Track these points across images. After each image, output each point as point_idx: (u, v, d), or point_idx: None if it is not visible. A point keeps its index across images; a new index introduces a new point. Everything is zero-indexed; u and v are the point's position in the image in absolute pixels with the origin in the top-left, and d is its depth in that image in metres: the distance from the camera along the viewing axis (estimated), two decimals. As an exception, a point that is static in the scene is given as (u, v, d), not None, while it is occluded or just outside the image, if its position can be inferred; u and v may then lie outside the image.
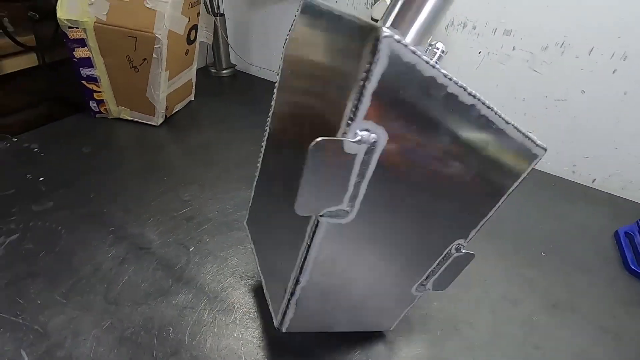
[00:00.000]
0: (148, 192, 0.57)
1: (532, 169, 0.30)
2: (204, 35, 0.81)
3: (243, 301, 0.43)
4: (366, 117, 0.22)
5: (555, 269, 0.51)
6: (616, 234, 0.57)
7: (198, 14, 0.73)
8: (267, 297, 0.36)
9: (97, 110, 0.74)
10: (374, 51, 0.20)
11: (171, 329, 0.39)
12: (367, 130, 0.23)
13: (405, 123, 0.24)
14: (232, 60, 1.00)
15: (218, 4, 0.89)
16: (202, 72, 0.99)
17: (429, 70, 0.22)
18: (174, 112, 0.78)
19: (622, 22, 0.55)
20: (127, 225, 0.51)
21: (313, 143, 0.21)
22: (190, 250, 0.48)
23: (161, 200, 0.56)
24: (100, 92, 0.71)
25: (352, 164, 0.23)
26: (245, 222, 0.42)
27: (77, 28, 0.63)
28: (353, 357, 0.38)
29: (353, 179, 0.24)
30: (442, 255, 0.33)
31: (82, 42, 0.65)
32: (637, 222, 0.58)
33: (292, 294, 0.30)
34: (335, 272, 0.31)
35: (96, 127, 0.73)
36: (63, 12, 0.62)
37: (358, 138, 0.22)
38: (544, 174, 0.69)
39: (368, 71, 0.21)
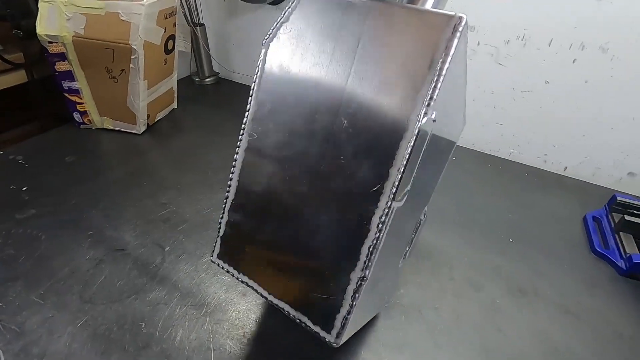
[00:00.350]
0: (128, 197, 0.59)
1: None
2: (182, 45, 0.84)
3: (215, 295, 0.44)
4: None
5: (521, 254, 0.52)
6: (584, 219, 0.59)
7: (174, 25, 0.75)
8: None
9: (81, 121, 0.76)
10: (456, 31, 0.25)
11: (143, 324, 0.41)
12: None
13: (441, 98, 0.27)
14: (215, 69, 1.03)
15: (198, 15, 0.92)
16: (186, 81, 1.01)
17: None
18: (156, 120, 0.80)
19: (577, 13, 0.57)
20: (106, 229, 0.53)
21: (422, 130, 0.24)
22: (166, 249, 0.50)
23: (140, 204, 0.58)
24: (82, 103, 0.73)
25: (423, 143, 0.26)
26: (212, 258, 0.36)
27: (57, 42, 0.66)
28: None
29: (418, 160, 0.27)
30: (416, 225, 0.37)
31: (62, 56, 0.67)
32: (605, 206, 0.59)
33: (354, 296, 0.27)
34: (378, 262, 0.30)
35: (80, 137, 0.75)
36: (42, 28, 0.64)
37: (434, 117, 0.25)
38: (516, 164, 0.71)
39: (447, 48, 0.24)
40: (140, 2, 0.64)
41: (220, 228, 0.34)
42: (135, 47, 0.65)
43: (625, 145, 0.63)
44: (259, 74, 0.31)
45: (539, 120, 0.67)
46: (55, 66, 0.69)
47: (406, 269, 0.49)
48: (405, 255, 0.38)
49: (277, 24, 0.30)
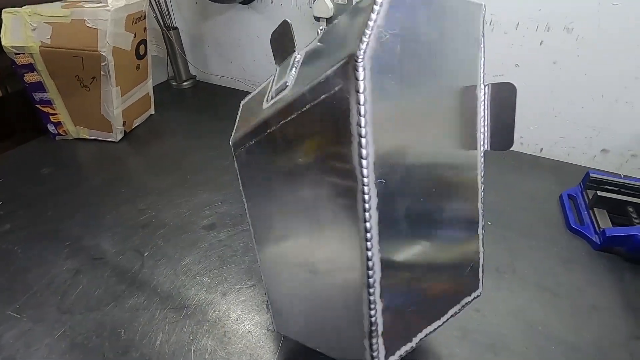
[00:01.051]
0: (105, 205, 0.58)
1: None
2: (155, 49, 0.83)
3: (195, 297, 0.44)
4: None
5: (499, 236, 0.53)
6: (560, 197, 0.60)
7: (145, 29, 0.74)
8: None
9: (56, 132, 0.75)
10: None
11: (123, 330, 0.41)
12: None
13: None
14: (192, 72, 1.02)
15: (170, 18, 0.91)
16: (163, 85, 1.00)
17: None
18: (133, 126, 0.80)
19: (541, -5, 0.58)
20: (83, 239, 0.52)
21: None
22: (145, 255, 0.50)
23: (118, 211, 0.57)
24: (56, 114, 0.72)
25: None
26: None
27: (24, 54, 0.65)
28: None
29: None
30: None
31: (30, 67, 0.66)
32: (579, 184, 0.60)
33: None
34: None
35: (56, 148, 0.74)
36: (7, 40, 0.63)
37: None
38: (494, 149, 0.71)
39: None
40: (107, 8, 0.63)
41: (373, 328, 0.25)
42: (104, 53, 0.64)
43: (597, 123, 0.64)
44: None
45: (513, 103, 0.68)
46: (24, 78, 0.68)
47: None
48: None
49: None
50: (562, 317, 0.42)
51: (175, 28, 0.92)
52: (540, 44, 0.61)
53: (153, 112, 0.86)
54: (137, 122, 0.81)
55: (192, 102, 0.94)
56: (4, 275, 0.47)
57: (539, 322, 0.42)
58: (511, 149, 0.71)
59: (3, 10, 0.63)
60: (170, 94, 0.97)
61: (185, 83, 0.99)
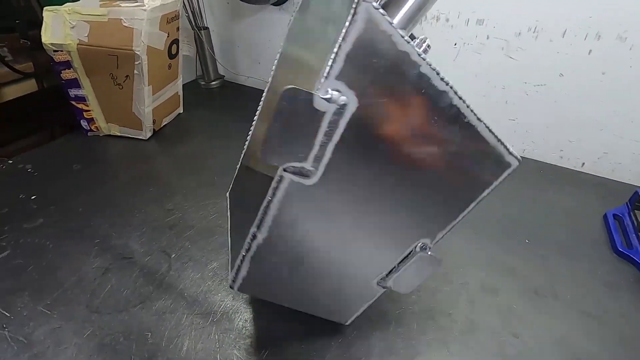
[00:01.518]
0: (134, 204, 0.59)
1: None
2: (186, 49, 0.84)
3: (221, 304, 0.44)
4: (338, 77, 0.23)
5: (538, 255, 0.50)
6: (605, 217, 0.56)
7: (178, 29, 0.75)
8: (229, 259, 0.37)
9: (89, 128, 0.76)
10: (353, 14, 0.21)
11: (149, 334, 0.40)
12: (338, 90, 0.23)
13: (376, 94, 0.24)
14: (221, 72, 1.02)
15: (201, 18, 0.92)
16: (192, 85, 1.01)
17: (404, 45, 0.22)
18: (162, 125, 0.80)
19: (592, 1, 0.54)
20: (112, 237, 0.52)
21: (284, 88, 0.22)
22: (172, 257, 0.50)
23: (146, 211, 0.57)
24: (89, 110, 0.73)
25: (320, 121, 0.24)
26: (227, 194, 0.42)
27: (62, 51, 0.66)
28: (329, 351, 0.39)
29: (319, 137, 0.25)
30: (407, 252, 0.33)
31: (67, 64, 0.67)
32: (627, 204, 0.57)
33: (247, 249, 0.30)
34: (294, 237, 0.30)
35: (88, 144, 0.75)
36: (47, 37, 0.64)
37: (328, 96, 0.23)
38: (530, 161, 0.68)
39: (345, 32, 0.22)
40: (143, 7, 0.63)
41: None
42: (138, 52, 0.64)
43: (647, 139, 0.60)
44: None
45: (554, 114, 0.64)
46: (61, 74, 0.69)
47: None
48: (387, 281, 0.35)
49: None
50: (609, 348, 0.39)
51: (206, 28, 0.93)
52: (589, 53, 0.58)
53: (181, 111, 0.87)
54: (165, 121, 0.81)
55: (220, 103, 0.95)
56: (36, 271, 0.47)
57: (582, 352, 0.39)
58: (550, 162, 0.68)
59: (45, 8, 0.64)
60: (198, 93, 0.98)
61: (213, 83, 1.00)
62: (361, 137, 0.25)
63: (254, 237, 0.29)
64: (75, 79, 0.69)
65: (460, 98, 0.25)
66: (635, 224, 0.53)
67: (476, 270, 0.48)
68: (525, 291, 0.45)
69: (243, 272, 0.32)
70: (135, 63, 0.65)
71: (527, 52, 0.62)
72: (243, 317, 0.42)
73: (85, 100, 0.72)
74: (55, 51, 0.66)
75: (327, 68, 0.22)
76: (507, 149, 0.28)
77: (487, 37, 0.64)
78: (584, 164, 0.67)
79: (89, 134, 0.77)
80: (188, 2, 0.86)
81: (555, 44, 0.59)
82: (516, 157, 0.28)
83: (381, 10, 0.21)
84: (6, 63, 0.88)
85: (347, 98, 0.23)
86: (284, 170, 0.26)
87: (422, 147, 0.27)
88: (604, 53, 0.57)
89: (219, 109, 0.90)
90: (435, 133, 0.26)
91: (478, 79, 0.68)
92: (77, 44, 0.65)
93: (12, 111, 1.03)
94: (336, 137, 0.25)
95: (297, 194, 0.27)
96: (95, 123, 0.75)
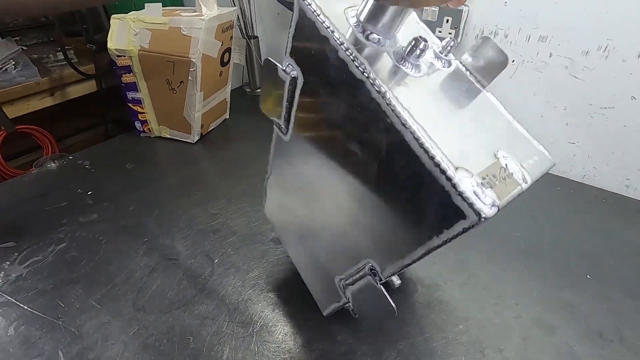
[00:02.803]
0: (180, 206, 0.60)
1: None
2: (237, 57, 0.86)
3: (261, 314, 0.43)
4: (291, 54, 0.28)
5: (601, 293, 0.46)
6: (679, 256, 0.50)
7: (231, 38, 0.77)
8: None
9: (141, 129, 0.80)
10: (297, 4, 0.26)
11: (191, 338, 0.41)
12: (291, 65, 0.28)
13: (314, 75, 0.27)
14: (266, 79, 1.04)
15: (252, 28, 0.94)
16: (237, 91, 1.04)
17: (324, 30, 0.24)
18: (209, 129, 0.83)
19: (676, 20, 0.50)
20: (159, 237, 0.54)
21: (265, 58, 0.30)
22: (215, 262, 0.50)
23: (191, 213, 0.59)
24: (144, 113, 0.77)
25: (283, 87, 0.29)
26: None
27: (124, 56, 0.70)
28: (368, 378, 0.37)
29: (284, 100, 0.30)
30: (358, 266, 0.29)
31: (128, 69, 0.71)
32: None
33: (266, 179, 0.42)
34: (285, 186, 0.38)
35: (140, 145, 0.79)
36: (113, 43, 0.69)
37: (284, 67, 0.28)
38: (592, 189, 0.63)
39: (292, 19, 0.27)
40: (201, 17, 0.66)
41: None
42: (194, 60, 0.67)
43: None
44: None
45: (622, 139, 0.59)
46: (121, 78, 0.73)
47: (466, 302, 0.44)
48: (345, 289, 0.32)
49: None
50: (689, 409, 0.35)
51: (256, 37, 0.95)
52: (668, 75, 0.53)
53: (227, 117, 0.89)
54: (212, 126, 0.84)
55: (264, 110, 0.96)
56: (90, 264, 0.49)
57: (657, 409, 0.35)
58: (614, 191, 0.63)
59: (113, 16, 0.68)
60: (244, 100, 1.00)
61: (259, 90, 1.02)
62: (307, 115, 0.29)
63: (267, 172, 0.40)
64: (134, 82, 0.73)
65: (379, 92, 0.20)
66: None
67: (530, 304, 0.44)
68: (587, 332, 0.41)
69: (265, 197, 0.44)
70: (190, 70, 0.68)
71: (594, 72, 0.58)
72: (283, 330, 0.41)
73: (141, 103, 0.76)
74: (118, 56, 0.70)
75: (286, 45, 0.28)
76: (458, 190, 0.17)
77: (550, 55, 0.60)
78: (653, 195, 0.61)
79: (141, 134, 0.81)
80: (241, 12, 0.88)
81: (628, 65, 0.55)
82: (478, 212, 0.17)
83: (307, 1, 0.25)
84: (73, 65, 0.95)
85: (296, 73, 0.28)
86: (273, 122, 0.33)
87: (352, 143, 0.25)
88: (686, 76, 0.52)
89: (262, 117, 0.91)
90: (364, 131, 0.24)
91: (537, 98, 0.65)
92: (139, 50, 0.69)
93: (74, 108, 1.11)
94: (295, 104, 0.29)
95: (280, 147, 0.35)
96: (148, 125, 0.79)
